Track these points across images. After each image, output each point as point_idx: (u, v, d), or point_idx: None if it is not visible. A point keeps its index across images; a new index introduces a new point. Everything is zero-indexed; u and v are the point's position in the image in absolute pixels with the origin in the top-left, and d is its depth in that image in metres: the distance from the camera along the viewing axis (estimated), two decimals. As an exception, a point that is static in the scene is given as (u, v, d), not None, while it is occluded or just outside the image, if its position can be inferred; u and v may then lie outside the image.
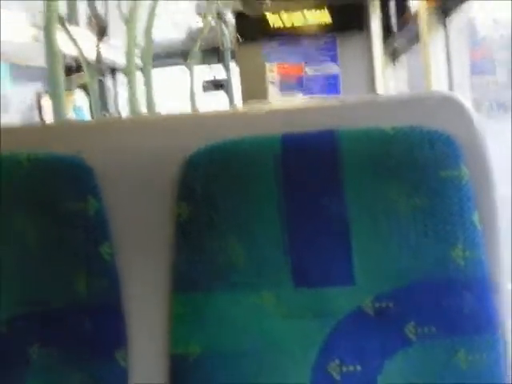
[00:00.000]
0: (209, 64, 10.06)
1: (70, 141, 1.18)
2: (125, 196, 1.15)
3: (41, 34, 4.08)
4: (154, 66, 5.69)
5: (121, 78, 10.51)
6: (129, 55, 4.73)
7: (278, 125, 1.16)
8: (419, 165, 1.10)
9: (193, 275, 1.11)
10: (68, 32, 5.82)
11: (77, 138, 1.18)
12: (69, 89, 7.73)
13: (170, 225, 1.14)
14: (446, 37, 3.16)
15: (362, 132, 1.12)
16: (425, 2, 3.06)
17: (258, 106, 1.26)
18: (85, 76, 6.75)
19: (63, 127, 1.29)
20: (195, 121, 1.21)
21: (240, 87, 7.14)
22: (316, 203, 1.10)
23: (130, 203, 1.15)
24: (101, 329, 1.11)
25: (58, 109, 3.08)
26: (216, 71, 10.14)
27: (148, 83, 5.24)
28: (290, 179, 1.11)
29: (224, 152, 1.13)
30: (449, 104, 1.16)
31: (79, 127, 1.26)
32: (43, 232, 1.12)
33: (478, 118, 1.15)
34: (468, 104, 1.15)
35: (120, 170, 1.16)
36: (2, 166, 1.12)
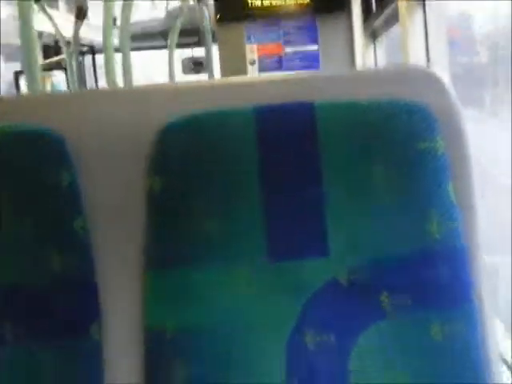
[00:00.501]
0: (190, 46, 10.00)
1: (42, 112, 1.16)
2: (98, 169, 1.14)
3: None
4: (134, 49, 5.65)
5: (100, 58, 10.45)
6: (106, 34, 4.69)
7: (252, 97, 1.15)
8: (395, 136, 1.10)
9: (166, 251, 1.11)
10: (44, 9, 5.76)
11: (49, 110, 1.17)
12: (48, 69, 7.69)
13: (144, 198, 1.13)
14: (424, 17, 3.16)
15: (338, 104, 1.12)
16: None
17: (234, 78, 1.25)
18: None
19: (34, 99, 1.27)
20: (170, 92, 1.20)
21: (220, 68, 7.11)
22: (292, 176, 1.10)
23: (104, 177, 1.14)
24: (74, 304, 1.10)
25: (32, 86, 3.04)
26: (197, 53, 10.08)
27: (126, 63, 5.19)
28: (266, 151, 1.10)
29: (198, 124, 1.12)
30: (426, 77, 1.16)
31: (51, 99, 1.24)
32: (14, 207, 1.10)
33: (454, 93, 1.16)
34: (445, 78, 1.16)
35: (93, 142, 1.15)
36: None
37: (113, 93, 1.26)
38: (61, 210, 1.11)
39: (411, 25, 3.08)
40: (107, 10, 4.61)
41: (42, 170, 1.11)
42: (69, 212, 1.11)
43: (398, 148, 1.10)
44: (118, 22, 5.51)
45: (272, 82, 1.21)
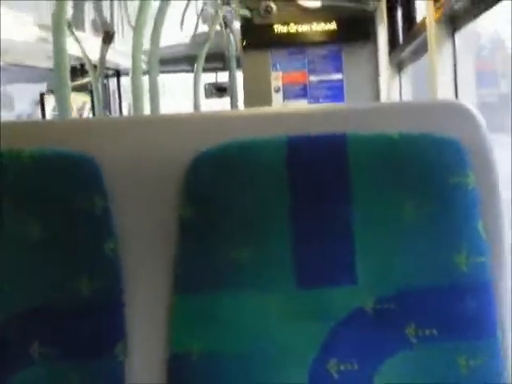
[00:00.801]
0: (214, 70, 10.06)
1: (75, 138, 1.17)
2: (131, 195, 1.15)
3: (46, 35, 4.07)
4: (160, 73, 5.70)
5: (125, 81, 10.53)
6: (134, 59, 4.73)
7: (284, 127, 1.16)
8: (426, 170, 1.10)
9: (196, 275, 1.11)
10: (73, 33, 5.82)
11: (82, 136, 1.18)
12: (74, 91, 7.77)
13: (174, 225, 1.13)
14: (453, 49, 3.16)
15: (369, 137, 1.12)
16: (433, 13, 3.06)
17: (264, 108, 1.25)
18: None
19: (68, 124, 1.28)
20: (202, 121, 1.21)
21: (243, 94, 7.15)
22: (322, 205, 1.10)
23: (136, 202, 1.15)
24: (101, 326, 1.11)
25: (62, 109, 3.07)
26: (221, 79, 10.13)
27: (153, 88, 5.23)
28: (297, 181, 1.11)
29: (229, 153, 1.12)
30: (456, 111, 1.16)
31: (85, 124, 1.26)
32: (47, 230, 1.11)
33: (485, 127, 1.16)
34: (475, 111, 1.16)
35: (127, 168, 1.15)
36: (3, 163, 1.12)
37: (146, 120, 1.27)
38: (93, 234, 1.12)
39: (440, 57, 3.08)
40: (137, 35, 4.65)
41: (75, 193, 1.12)
42: (100, 235, 1.12)
43: (428, 181, 1.10)
44: (145, 47, 5.57)
45: (302, 113, 1.22)
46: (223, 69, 9.55)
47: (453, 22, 3.02)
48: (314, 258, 1.11)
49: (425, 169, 1.11)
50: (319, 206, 1.11)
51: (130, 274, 1.13)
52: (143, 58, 5.23)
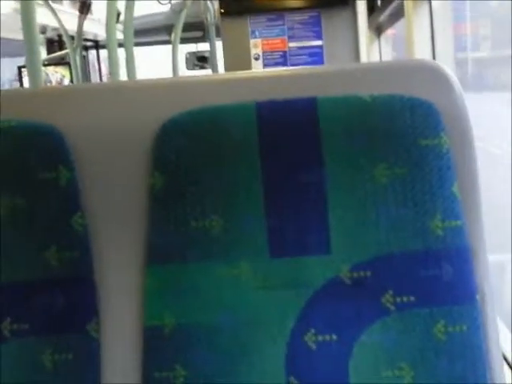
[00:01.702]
0: (194, 41, 9.99)
1: (41, 107, 1.15)
2: (98, 165, 1.13)
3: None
4: (137, 44, 5.64)
5: (104, 53, 10.45)
6: (109, 28, 4.67)
7: (254, 91, 1.14)
8: (399, 133, 1.08)
9: (167, 246, 1.10)
10: (48, 3, 5.75)
11: (49, 105, 1.15)
12: (52, 64, 7.68)
13: (144, 195, 1.12)
14: (431, 12, 3.14)
15: (341, 99, 1.10)
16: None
17: (234, 73, 1.23)
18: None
19: (35, 93, 1.25)
20: (170, 87, 1.18)
21: (224, 63, 7.11)
22: (294, 172, 1.09)
23: (104, 173, 1.13)
24: (72, 301, 1.09)
25: (34, 80, 3.03)
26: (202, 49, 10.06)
27: (129, 58, 5.18)
28: (267, 147, 1.09)
29: (198, 119, 1.10)
30: (430, 71, 1.14)
31: (51, 93, 1.23)
32: (13, 202, 1.09)
33: (460, 87, 1.14)
34: (451, 73, 1.14)
35: (94, 137, 1.13)
36: None
37: (113, 87, 1.24)
38: (59, 206, 1.10)
39: (417, 20, 3.06)
40: (111, 4, 4.59)
41: (41, 165, 1.10)
42: (67, 208, 1.10)
43: (400, 144, 1.09)
44: (122, 17, 5.50)
45: (275, 77, 1.20)
46: (203, 39, 9.48)
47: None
48: (287, 227, 1.09)
49: (397, 131, 1.09)
50: (291, 173, 1.09)
51: (100, 247, 1.12)
52: (119, 27, 5.17)
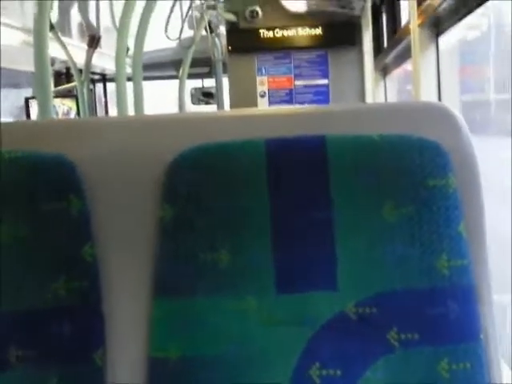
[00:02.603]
0: (201, 76, 10.03)
1: (53, 139, 1.16)
2: (109, 196, 1.14)
3: (30, 38, 4.05)
4: (145, 79, 5.68)
5: (112, 87, 10.50)
6: (118, 62, 4.71)
7: (264, 129, 1.15)
8: (407, 173, 1.09)
9: (175, 279, 1.10)
10: (58, 37, 5.80)
11: (61, 137, 1.17)
12: (59, 96, 7.72)
13: (153, 227, 1.12)
14: (437, 54, 3.17)
15: (349, 138, 1.12)
16: (416, 19, 3.07)
17: (244, 110, 1.25)
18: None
19: (47, 125, 1.27)
20: (182, 122, 1.20)
21: (229, 99, 7.14)
22: (302, 209, 1.09)
23: (114, 204, 1.14)
24: (79, 330, 1.10)
25: (44, 112, 3.04)
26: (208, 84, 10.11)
27: (137, 92, 5.21)
28: (276, 184, 1.10)
29: (209, 155, 1.11)
30: (437, 112, 1.16)
31: (63, 125, 1.24)
32: (24, 232, 1.10)
33: (466, 128, 1.15)
34: (457, 114, 1.15)
35: (105, 169, 1.14)
36: None
37: (125, 121, 1.26)
38: (69, 237, 1.11)
39: (423, 61, 3.09)
40: (121, 39, 4.63)
41: (52, 195, 1.11)
42: (77, 238, 1.11)
43: (409, 184, 1.10)
44: (130, 52, 5.54)
45: (284, 115, 1.21)
46: (209, 74, 9.53)
47: (436, 25, 3.03)
48: (294, 263, 1.10)
49: (405, 171, 1.10)
50: (299, 210, 1.10)
51: (108, 277, 1.12)
52: (128, 61, 5.21)
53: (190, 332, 1.09)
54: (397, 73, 5.33)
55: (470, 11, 2.57)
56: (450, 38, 3.24)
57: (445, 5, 2.67)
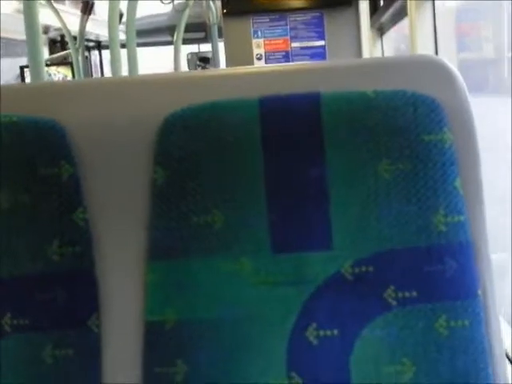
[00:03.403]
0: (196, 42, 9.98)
1: (43, 102, 1.14)
2: (100, 160, 1.12)
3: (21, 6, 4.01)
4: (140, 45, 5.63)
5: (107, 54, 10.45)
6: (111, 29, 4.67)
7: (257, 86, 1.14)
8: (402, 128, 1.08)
9: (169, 241, 1.09)
10: (51, 3, 5.75)
11: (51, 100, 1.15)
12: (54, 64, 7.68)
13: (146, 190, 1.11)
14: (433, 11, 3.14)
15: (343, 95, 1.10)
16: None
17: (237, 68, 1.23)
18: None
19: (37, 88, 1.25)
20: (174, 82, 1.18)
21: (225, 63, 7.11)
22: (296, 167, 1.08)
23: (106, 168, 1.13)
24: (73, 295, 1.09)
25: (37, 80, 3.02)
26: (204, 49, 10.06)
27: (132, 58, 5.18)
28: (270, 142, 1.09)
29: (201, 114, 1.10)
30: (434, 67, 1.14)
31: (53, 88, 1.22)
32: (14, 197, 1.09)
33: (463, 83, 1.13)
34: (454, 68, 1.13)
35: (95, 132, 1.13)
36: None
37: (115, 82, 1.24)
38: (61, 201, 1.10)
39: (420, 19, 3.06)
40: (113, 4, 4.59)
41: (43, 160, 1.09)
42: (69, 203, 1.10)
43: (403, 140, 1.08)
44: (125, 18, 5.50)
45: (278, 72, 1.19)
46: (205, 40, 9.47)
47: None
48: (289, 223, 1.09)
49: (400, 127, 1.09)
50: (293, 168, 1.09)
51: (102, 242, 1.11)
52: (122, 28, 5.17)
53: (185, 295, 1.09)
54: (394, 31, 5.29)
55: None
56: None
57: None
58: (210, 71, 1.17)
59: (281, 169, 1.09)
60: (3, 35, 7.28)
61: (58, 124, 1.10)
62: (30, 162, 1.09)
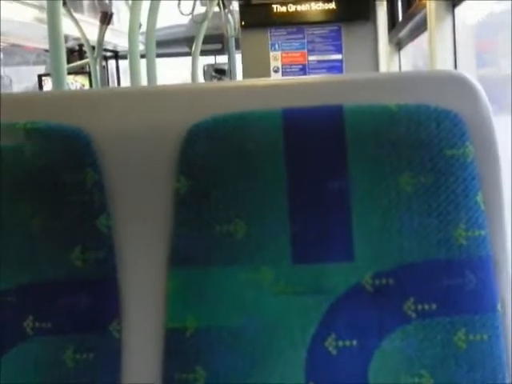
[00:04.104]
0: (213, 53, 10.02)
1: (69, 110, 1.16)
2: (124, 168, 1.14)
3: (43, 15, 4.05)
4: (157, 56, 5.67)
5: (124, 64, 10.51)
6: (131, 39, 4.70)
7: (280, 98, 1.14)
8: (424, 142, 1.08)
9: (191, 249, 1.10)
10: (70, 13, 5.80)
11: (76, 108, 1.17)
12: (72, 73, 7.73)
13: (169, 198, 1.12)
14: (453, 26, 3.14)
15: (367, 108, 1.11)
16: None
17: (260, 80, 1.24)
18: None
19: (62, 96, 1.26)
20: (197, 92, 1.19)
21: (242, 76, 7.13)
22: (319, 178, 1.09)
23: (130, 175, 1.14)
24: (95, 301, 1.10)
25: (59, 87, 3.05)
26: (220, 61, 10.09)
27: (151, 68, 5.21)
28: (293, 154, 1.09)
29: (225, 125, 1.11)
30: (456, 82, 1.14)
31: (79, 96, 1.24)
32: (40, 203, 1.10)
33: (485, 98, 1.14)
34: (475, 82, 1.14)
35: (120, 140, 1.14)
36: None
37: (140, 92, 1.25)
38: (85, 208, 1.11)
39: (439, 34, 3.06)
40: (134, 15, 4.62)
41: (68, 167, 1.11)
42: (93, 209, 1.11)
43: (426, 154, 1.09)
44: (143, 28, 5.53)
45: (301, 85, 1.20)
46: (222, 51, 9.51)
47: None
48: (310, 233, 1.09)
49: (422, 141, 1.09)
50: (316, 180, 1.10)
51: (124, 249, 1.12)
52: (141, 39, 5.20)
53: (206, 303, 1.09)
54: (411, 47, 5.30)
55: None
56: (468, 11, 3.21)
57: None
58: (234, 82, 1.18)
59: (303, 180, 1.10)
60: (21, 43, 7.34)
61: (84, 132, 1.12)
62: (55, 168, 1.11)
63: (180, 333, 1.10)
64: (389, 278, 1.08)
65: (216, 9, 7.28)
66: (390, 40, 5.61)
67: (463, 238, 1.08)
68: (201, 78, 9.28)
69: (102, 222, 1.11)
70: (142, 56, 5.26)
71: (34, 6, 6.07)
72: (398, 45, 5.55)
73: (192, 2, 6.46)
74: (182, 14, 5.54)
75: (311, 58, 6.79)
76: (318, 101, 1.13)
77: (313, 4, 6.68)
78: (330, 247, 1.09)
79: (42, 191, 1.10)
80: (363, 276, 1.09)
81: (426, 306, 1.08)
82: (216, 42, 9.20)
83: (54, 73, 3.14)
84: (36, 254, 1.10)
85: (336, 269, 1.09)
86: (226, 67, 9.42)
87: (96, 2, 7.20)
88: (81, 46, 8.71)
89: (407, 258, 1.08)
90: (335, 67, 6.74)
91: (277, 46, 6.80)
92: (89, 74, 7.43)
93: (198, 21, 6.47)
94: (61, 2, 3.21)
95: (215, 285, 1.09)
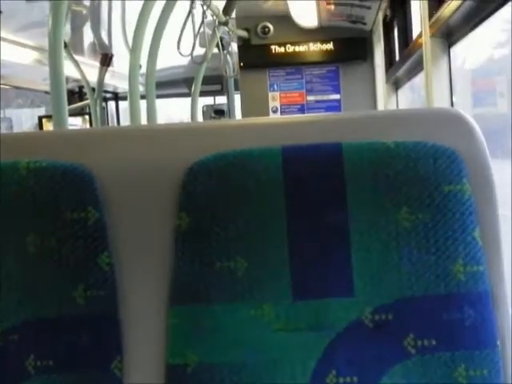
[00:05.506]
0: (212, 94, 10.05)
1: (71, 149, 1.17)
2: (126, 205, 1.15)
3: (45, 58, 4.07)
4: (157, 97, 5.69)
5: (123, 105, 10.55)
6: (132, 80, 4.73)
7: (279, 136, 1.16)
8: (422, 179, 1.09)
9: (192, 286, 1.10)
10: (71, 55, 5.84)
11: (78, 146, 1.18)
12: (72, 114, 7.76)
13: (170, 235, 1.13)
14: (449, 65, 3.17)
15: (364, 145, 1.12)
16: (428, 31, 3.08)
17: (259, 118, 1.25)
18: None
19: (64, 135, 1.28)
20: (197, 131, 1.21)
21: (241, 115, 7.16)
22: (318, 215, 1.10)
23: (131, 212, 1.15)
24: (97, 339, 1.10)
25: (60, 128, 3.06)
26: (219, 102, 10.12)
27: (151, 109, 5.23)
28: (293, 191, 1.10)
29: (225, 163, 1.12)
30: (452, 119, 1.16)
31: (81, 135, 1.25)
32: (42, 241, 1.11)
33: (481, 135, 1.15)
34: (471, 119, 1.15)
35: (121, 178, 1.15)
36: (1, 174, 1.11)
37: (142, 131, 1.26)
38: (86, 246, 1.11)
39: (436, 73, 3.09)
40: (134, 56, 4.66)
41: (70, 205, 1.11)
42: (94, 247, 1.11)
43: (424, 190, 1.10)
44: (142, 69, 5.57)
45: (300, 123, 1.21)
46: (221, 92, 9.54)
47: (448, 36, 3.04)
48: (310, 269, 1.10)
49: (420, 177, 1.10)
50: (315, 216, 1.11)
51: (126, 286, 1.13)
52: (141, 80, 5.23)
53: (207, 339, 1.10)
54: (408, 87, 5.33)
55: (481, 21, 2.57)
56: (462, 52, 3.24)
57: (457, 15, 2.67)
58: (234, 121, 1.19)
59: (303, 217, 1.10)
60: (22, 85, 7.38)
61: (87, 169, 1.13)
62: (57, 206, 1.12)
63: (181, 369, 1.10)
64: (388, 314, 1.09)
65: (215, 50, 7.33)
66: (388, 79, 5.65)
67: (461, 274, 1.09)
68: (200, 119, 9.31)
69: (103, 260, 1.11)
70: (142, 97, 5.29)
71: (33, 48, 6.11)
72: (396, 84, 5.59)
73: (191, 43, 6.51)
74: (181, 55, 5.57)
75: (309, 97, 6.84)
76: (316, 138, 1.14)
77: (311, 45, 6.75)
78: (330, 283, 1.10)
79: (44, 229, 1.11)
80: (363, 311, 1.09)
81: (426, 342, 1.08)
82: (215, 82, 9.24)
83: (56, 114, 3.16)
84: (38, 291, 1.11)
85: (336, 304, 1.10)
86: (224, 108, 9.45)
87: (96, 43, 7.26)
88: (81, 87, 8.75)
89: (406, 293, 1.09)
90: (333, 107, 6.79)
91: (275, 86, 6.86)
92: (89, 115, 7.46)
93: (197, 62, 6.50)
94: (62, 44, 3.24)
95: (216, 321, 1.10)
